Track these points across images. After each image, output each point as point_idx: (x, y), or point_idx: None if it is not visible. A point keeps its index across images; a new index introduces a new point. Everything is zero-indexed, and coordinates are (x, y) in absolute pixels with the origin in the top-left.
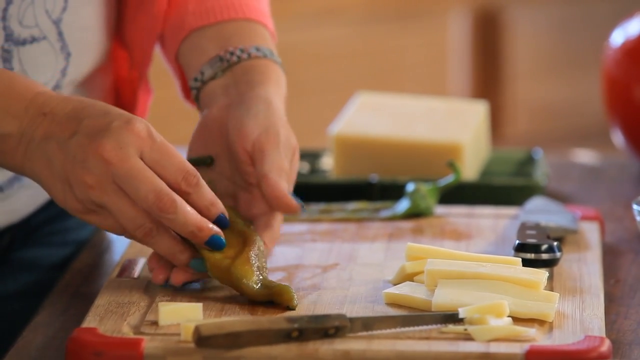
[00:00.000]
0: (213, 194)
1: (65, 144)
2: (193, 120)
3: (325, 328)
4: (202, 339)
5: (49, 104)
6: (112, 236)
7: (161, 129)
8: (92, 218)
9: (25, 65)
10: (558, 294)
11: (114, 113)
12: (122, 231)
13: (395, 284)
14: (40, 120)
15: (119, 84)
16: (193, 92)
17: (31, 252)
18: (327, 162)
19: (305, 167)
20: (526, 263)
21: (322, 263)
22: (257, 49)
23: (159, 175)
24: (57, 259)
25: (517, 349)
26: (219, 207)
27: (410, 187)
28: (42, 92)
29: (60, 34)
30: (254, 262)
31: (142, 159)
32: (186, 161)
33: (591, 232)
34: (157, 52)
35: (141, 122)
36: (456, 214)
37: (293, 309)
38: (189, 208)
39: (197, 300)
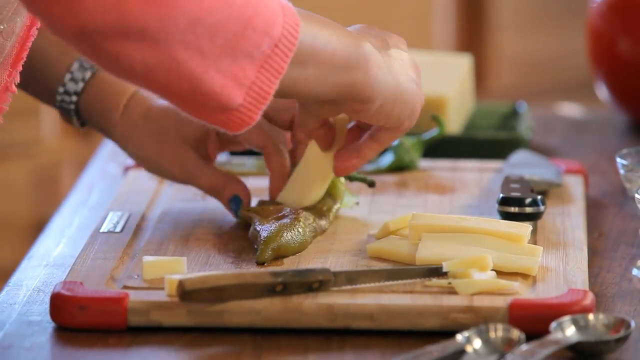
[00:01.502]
0: None
1: (395, 53)
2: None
3: (309, 282)
4: (186, 293)
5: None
6: (95, 189)
7: None
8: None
9: None
10: (541, 248)
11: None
12: None
13: (378, 239)
14: (367, 36)
15: None
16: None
17: None
18: None
19: None
20: (510, 217)
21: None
22: None
23: None
24: None
25: (501, 302)
26: None
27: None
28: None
29: None
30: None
31: None
32: None
33: (575, 185)
34: None
35: None
36: (440, 167)
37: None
38: None
39: (181, 254)
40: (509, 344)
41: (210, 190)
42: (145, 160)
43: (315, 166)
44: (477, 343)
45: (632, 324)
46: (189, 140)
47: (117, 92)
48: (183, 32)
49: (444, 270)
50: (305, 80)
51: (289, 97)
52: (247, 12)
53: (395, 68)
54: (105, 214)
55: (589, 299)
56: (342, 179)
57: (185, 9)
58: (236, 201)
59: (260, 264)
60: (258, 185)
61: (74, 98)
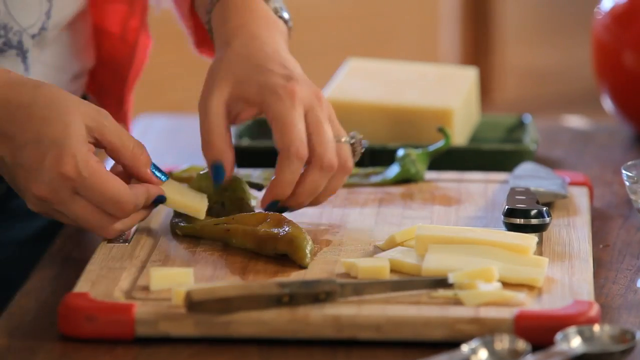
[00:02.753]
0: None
1: (4, 163)
2: (183, 86)
3: (316, 293)
4: (194, 304)
5: None
6: None
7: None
8: (69, 207)
9: (9, 6)
10: (547, 259)
11: (45, 142)
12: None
13: (384, 250)
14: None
15: (112, 34)
16: (207, 27)
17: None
18: None
19: None
20: (515, 228)
21: (313, 228)
22: None
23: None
24: None
25: (507, 313)
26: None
27: (400, 152)
28: None
29: None
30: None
31: (78, 193)
32: (119, 189)
33: (580, 197)
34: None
35: (70, 157)
36: (446, 179)
37: (305, 267)
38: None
39: (189, 265)
40: (515, 355)
41: (204, 142)
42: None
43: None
44: (483, 354)
45: (638, 335)
46: (233, 93)
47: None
48: None
49: (450, 281)
50: None
51: None
52: None
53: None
54: None
55: (595, 310)
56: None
57: None
58: (218, 170)
59: (305, 267)
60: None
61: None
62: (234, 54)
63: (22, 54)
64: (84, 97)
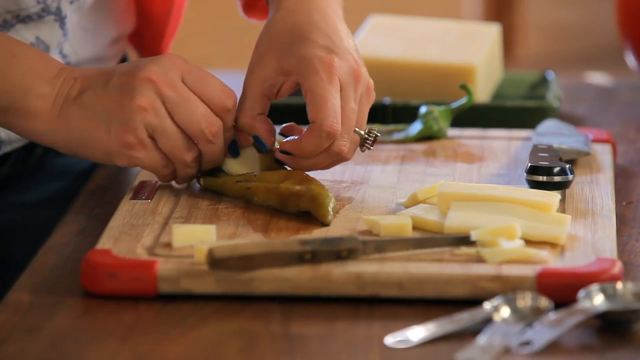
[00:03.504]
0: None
1: (104, 88)
2: (216, 41)
3: (338, 250)
4: (216, 262)
5: (77, 70)
6: None
7: (185, 50)
8: (140, 153)
9: None
10: (570, 217)
11: (144, 60)
12: (163, 165)
13: (407, 207)
14: (72, 82)
15: None
16: None
17: (63, 159)
18: None
19: None
20: (538, 185)
21: (335, 185)
22: None
23: (201, 98)
24: (86, 166)
25: (529, 270)
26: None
27: (423, 109)
28: (68, 65)
29: None
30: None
31: (184, 82)
32: (221, 86)
33: (603, 154)
34: None
35: (173, 54)
36: (469, 136)
37: (327, 224)
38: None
39: (211, 222)
40: (537, 313)
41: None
42: None
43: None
44: (505, 311)
45: None
46: (276, 66)
47: None
48: None
49: (473, 239)
50: None
51: None
52: None
53: (76, 115)
54: (134, 182)
55: (617, 267)
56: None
57: None
58: (258, 141)
59: (328, 225)
60: None
61: None
62: (280, 22)
63: (60, 19)
64: (123, 60)
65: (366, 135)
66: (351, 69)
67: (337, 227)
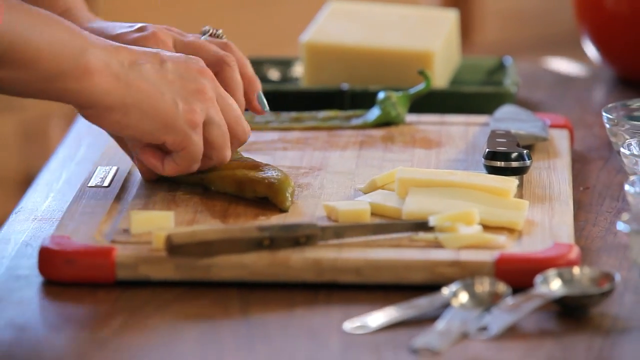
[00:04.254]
0: None
1: (162, 68)
2: None
3: (297, 237)
4: (174, 248)
5: (118, 43)
6: (83, 143)
7: None
8: (196, 136)
9: None
10: (527, 202)
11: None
12: (199, 157)
13: (366, 193)
14: (123, 50)
15: None
16: None
17: None
18: (299, 71)
19: (276, 75)
20: (496, 171)
21: (293, 171)
22: None
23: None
24: None
25: (487, 256)
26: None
27: (381, 95)
28: None
29: None
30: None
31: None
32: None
33: (561, 139)
34: None
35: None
36: (427, 122)
37: (286, 210)
38: None
39: (169, 208)
40: (495, 298)
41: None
42: None
43: None
44: (464, 297)
45: (617, 277)
46: None
47: None
48: None
49: (431, 224)
50: (2, 80)
51: None
52: None
53: (137, 80)
54: (93, 168)
55: (575, 252)
56: None
57: None
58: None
59: (286, 211)
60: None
61: None
62: None
63: None
64: None
65: (210, 36)
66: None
67: (296, 213)
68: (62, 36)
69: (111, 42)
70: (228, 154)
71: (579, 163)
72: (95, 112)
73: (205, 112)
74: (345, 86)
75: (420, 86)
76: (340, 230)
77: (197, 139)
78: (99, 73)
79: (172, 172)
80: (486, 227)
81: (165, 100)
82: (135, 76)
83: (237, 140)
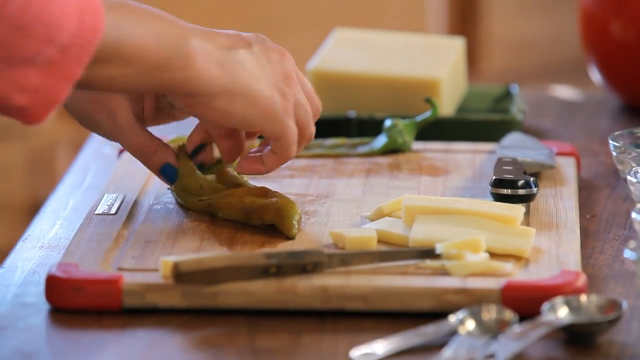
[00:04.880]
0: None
1: (252, 53)
2: None
3: (303, 264)
4: (181, 275)
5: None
6: (90, 171)
7: None
8: (292, 122)
9: None
10: (534, 229)
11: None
12: (296, 139)
13: (372, 221)
14: (214, 35)
15: None
16: None
17: None
18: None
19: None
20: (503, 198)
21: (300, 199)
22: None
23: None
24: None
25: (494, 283)
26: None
27: (387, 122)
28: None
29: None
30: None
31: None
32: None
33: (567, 167)
34: None
35: None
36: (433, 149)
37: (292, 238)
38: None
39: (175, 236)
40: (502, 325)
41: (137, 152)
42: (77, 109)
43: None
44: (470, 324)
45: (624, 305)
46: (127, 95)
47: None
48: None
49: (438, 251)
50: (111, 78)
51: (97, 91)
52: (21, 19)
53: (237, 66)
54: (100, 195)
55: (582, 280)
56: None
57: None
58: (170, 169)
59: (293, 238)
60: None
61: None
62: None
63: None
64: None
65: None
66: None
67: (302, 241)
68: (163, 27)
69: (202, 27)
70: (313, 130)
71: (586, 191)
72: (200, 100)
73: (293, 96)
74: (352, 114)
75: (427, 114)
76: (347, 257)
77: (293, 125)
78: (202, 60)
79: (274, 165)
80: (493, 255)
81: (263, 88)
82: (233, 61)
83: (314, 116)
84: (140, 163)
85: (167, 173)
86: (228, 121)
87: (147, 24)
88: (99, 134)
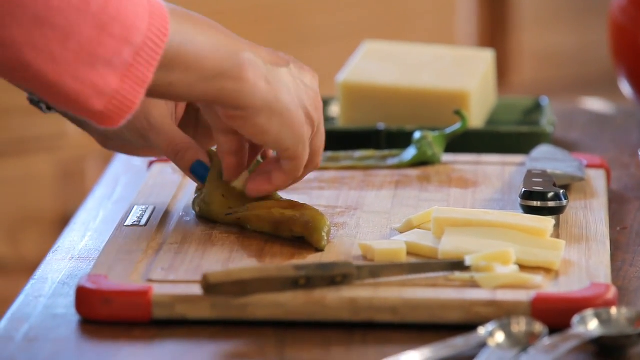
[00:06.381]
0: None
1: (289, 70)
2: None
3: (333, 276)
4: (210, 287)
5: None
6: (120, 182)
7: None
8: (308, 142)
9: None
10: (564, 242)
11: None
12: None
13: (402, 233)
14: (260, 49)
15: None
16: None
17: None
18: (335, 110)
19: None
20: (533, 211)
21: (329, 211)
22: None
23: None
24: None
25: (524, 296)
26: None
27: (417, 135)
28: None
29: None
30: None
31: None
32: None
33: (597, 179)
34: None
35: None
36: (463, 161)
37: (322, 249)
38: None
39: (205, 248)
40: (532, 338)
41: (169, 149)
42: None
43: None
44: (500, 336)
45: None
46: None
47: None
48: (28, 32)
49: (467, 264)
50: (170, 85)
51: (154, 98)
52: (103, 18)
53: (279, 84)
54: (129, 207)
55: (612, 292)
56: None
57: (28, 5)
58: (202, 167)
59: (322, 250)
60: None
61: None
62: None
63: None
64: None
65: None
66: None
67: (332, 253)
68: (220, 37)
69: (247, 40)
70: (320, 160)
71: (616, 203)
72: (244, 113)
73: (318, 122)
74: (381, 126)
75: (457, 126)
76: (376, 269)
77: (307, 148)
78: (253, 73)
79: (283, 184)
80: (522, 267)
81: (298, 110)
82: (277, 79)
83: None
84: (171, 167)
85: (197, 171)
86: (262, 138)
87: (206, 32)
88: (130, 130)
